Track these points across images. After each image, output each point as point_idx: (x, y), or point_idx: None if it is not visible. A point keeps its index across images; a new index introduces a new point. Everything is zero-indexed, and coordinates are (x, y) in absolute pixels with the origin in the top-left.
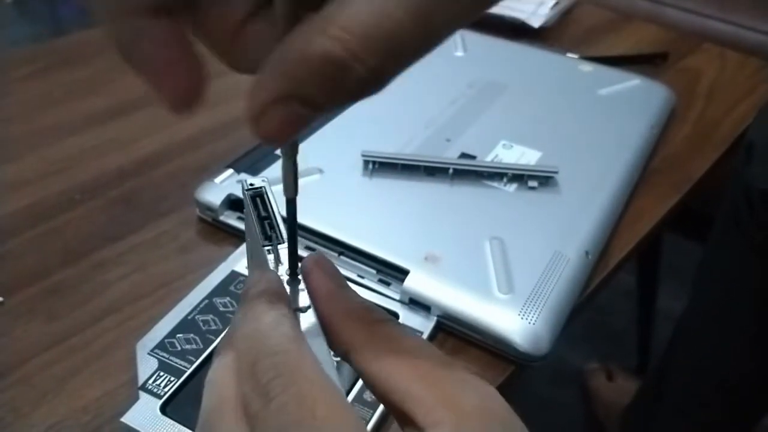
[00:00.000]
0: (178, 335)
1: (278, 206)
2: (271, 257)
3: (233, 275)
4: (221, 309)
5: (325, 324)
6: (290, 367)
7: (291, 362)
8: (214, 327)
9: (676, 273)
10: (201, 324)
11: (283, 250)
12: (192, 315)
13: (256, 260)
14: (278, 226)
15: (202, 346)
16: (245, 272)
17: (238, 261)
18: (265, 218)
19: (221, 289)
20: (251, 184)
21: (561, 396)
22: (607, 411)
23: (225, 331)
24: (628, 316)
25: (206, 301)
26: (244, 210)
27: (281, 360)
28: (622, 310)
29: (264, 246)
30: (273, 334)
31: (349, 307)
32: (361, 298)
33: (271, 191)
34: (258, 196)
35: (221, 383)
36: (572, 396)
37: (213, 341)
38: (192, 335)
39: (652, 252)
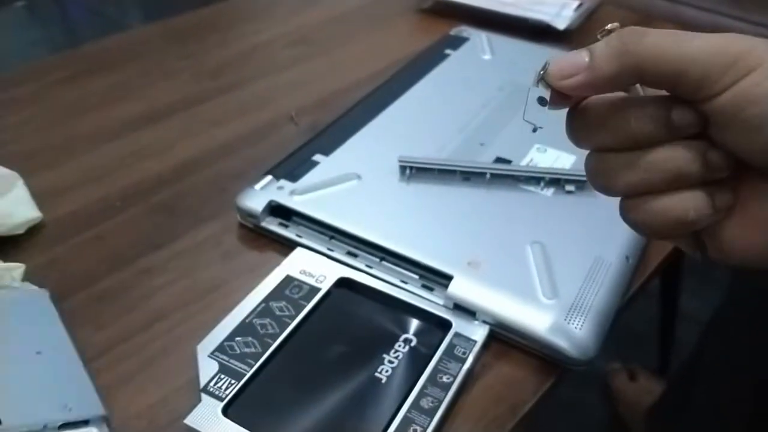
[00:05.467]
0: (237, 338)
1: None
2: None
3: (288, 279)
4: (278, 313)
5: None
6: None
7: None
8: (271, 330)
9: (695, 272)
10: (258, 327)
11: None
12: (249, 319)
13: None
14: None
15: (260, 350)
16: (299, 277)
17: (293, 265)
18: None
19: (277, 293)
20: None
21: (585, 397)
22: (630, 411)
23: None
24: (647, 316)
25: (263, 305)
26: None
27: None
28: (641, 309)
29: None
30: None
31: None
32: None
33: None
34: None
35: None
36: (596, 397)
37: (271, 345)
38: (250, 338)
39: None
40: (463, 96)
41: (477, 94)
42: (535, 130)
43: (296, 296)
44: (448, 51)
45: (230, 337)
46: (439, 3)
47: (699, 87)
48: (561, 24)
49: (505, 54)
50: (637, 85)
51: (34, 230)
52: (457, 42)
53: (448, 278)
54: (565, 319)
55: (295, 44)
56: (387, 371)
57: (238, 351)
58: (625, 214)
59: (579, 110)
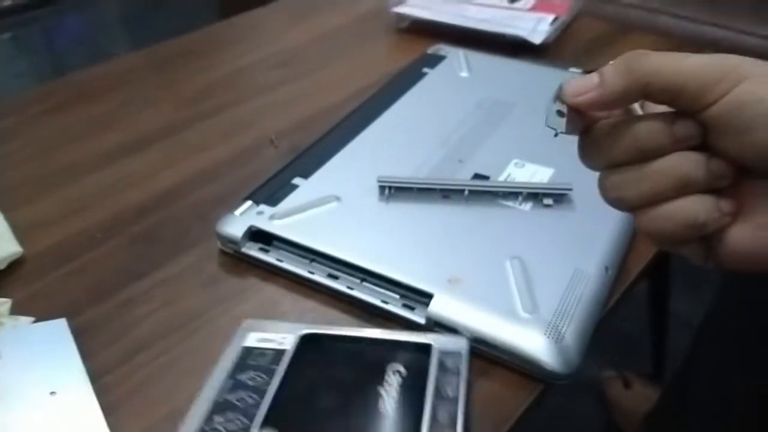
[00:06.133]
0: (217, 419)
1: None
2: None
3: (246, 351)
4: (251, 383)
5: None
6: None
7: None
8: (251, 401)
9: (685, 277)
10: (236, 402)
11: None
12: (222, 396)
13: None
14: None
15: (248, 422)
16: (259, 345)
17: (246, 337)
18: None
19: (240, 366)
20: None
21: (578, 406)
22: (626, 419)
23: None
24: (639, 323)
25: (231, 381)
26: None
27: None
28: (632, 316)
29: None
30: None
31: None
32: None
33: None
34: None
35: None
36: (589, 406)
37: (256, 413)
38: (231, 414)
39: (663, 256)
40: (441, 114)
41: (455, 112)
42: (556, 135)
43: (263, 363)
44: (425, 69)
45: (209, 419)
46: (417, 22)
47: (697, 97)
48: (537, 39)
49: (483, 71)
50: (636, 107)
51: (15, 265)
52: (435, 60)
53: (429, 296)
54: (545, 333)
55: (275, 67)
56: (389, 403)
57: (224, 430)
58: (640, 225)
59: (590, 131)
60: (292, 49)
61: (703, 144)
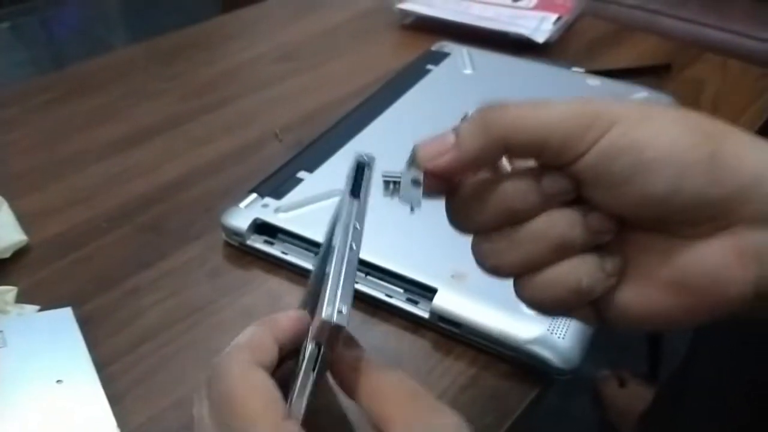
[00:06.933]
0: None
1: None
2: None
3: None
4: None
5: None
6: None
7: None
8: None
9: None
10: None
11: None
12: None
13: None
14: None
15: None
16: None
17: None
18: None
19: None
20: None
21: (573, 406)
22: (621, 418)
23: None
24: None
25: None
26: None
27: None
28: None
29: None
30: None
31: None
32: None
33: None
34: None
35: None
36: (584, 405)
37: None
38: None
39: None
40: (445, 111)
41: (458, 109)
42: (412, 210)
43: None
44: (429, 66)
45: None
46: (421, 19)
47: (562, 149)
48: (540, 37)
49: (486, 68)
50: (504, 162)
51: (20, 253)
52: (439, 57)
53: (433, 291)
54: (549, 329)
55: (279, 61)
56: None
57: None
58: (521, 293)
59: (455, 194)
60: (295, 44)
61: (579, 198)
